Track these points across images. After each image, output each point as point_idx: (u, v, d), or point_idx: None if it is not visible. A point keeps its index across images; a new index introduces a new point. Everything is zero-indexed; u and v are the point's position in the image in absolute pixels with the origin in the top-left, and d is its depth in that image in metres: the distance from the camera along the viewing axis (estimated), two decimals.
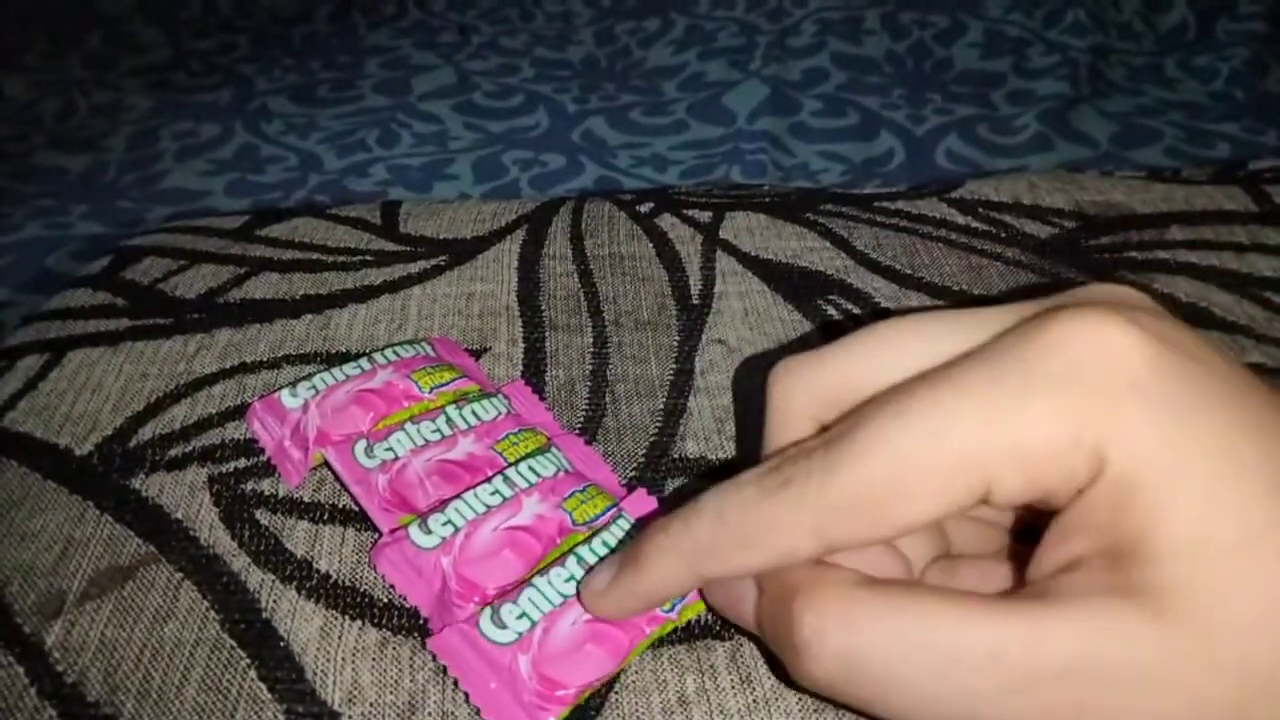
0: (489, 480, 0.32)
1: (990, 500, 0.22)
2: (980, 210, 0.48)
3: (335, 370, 0.36)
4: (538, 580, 0.29)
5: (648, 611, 0.28)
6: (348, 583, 0.31)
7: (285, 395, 0.35)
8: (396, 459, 0.33)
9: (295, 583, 0.31)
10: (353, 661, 0.29)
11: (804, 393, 0.26)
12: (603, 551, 0.30)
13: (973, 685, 0.21)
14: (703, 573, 0.25)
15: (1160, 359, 0.21)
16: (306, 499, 0.34)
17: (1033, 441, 0.21)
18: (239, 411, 0.37)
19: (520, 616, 0.28)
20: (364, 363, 0.37)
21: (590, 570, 0.29)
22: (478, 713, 0.27)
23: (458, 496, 0.32)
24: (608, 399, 0.38)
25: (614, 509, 0.32)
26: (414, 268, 0.45)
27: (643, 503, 0.33)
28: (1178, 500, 0.20)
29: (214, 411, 0.37)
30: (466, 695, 0.27)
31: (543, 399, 0.38)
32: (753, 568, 0.24)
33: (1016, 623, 0.21)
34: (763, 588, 0.25)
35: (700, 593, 0.28)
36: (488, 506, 0.31)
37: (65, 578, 0.31)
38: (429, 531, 0.30)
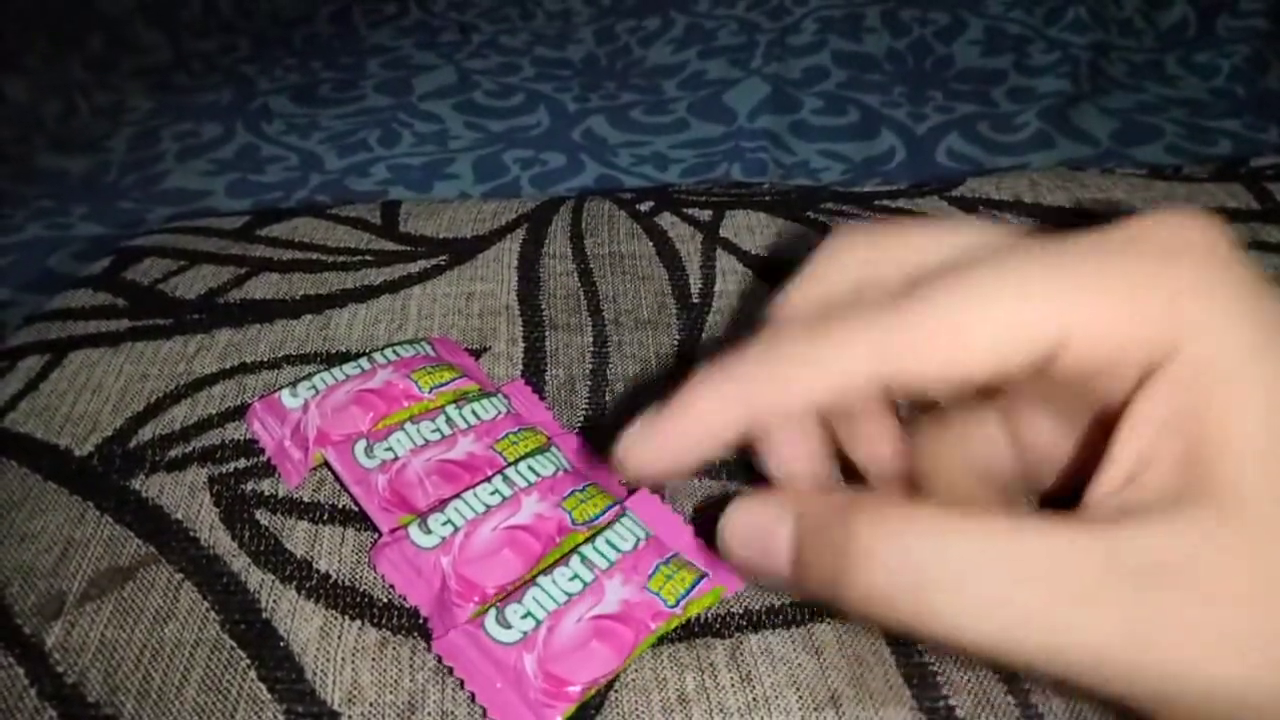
0: (488, 480, 0.32)
1: (1056, 365, 0.21)
2: (981, 208, 0.48)
3: (335, 370, 0.36)
4: (542, 580, 0.29)
5: (683, 464, 0.24)
6: (347, 583, 0.31)
7: (285, 395, 0.35)
8: (396, 459, 0.33)
9: (295, 583, 0.31)
10: (352, 661, 0.29)
11: (857, 254, 0.25)
12: (606, 550, 0.30)
13: (1036, 597, 0.20)
14: (753, 405, 0.23)
15: (1245, 260, 0.21)
16: (306, 499, 0.34)
17: (1113, 302, 0.21)
18: (239, 412, 0.37)
19: (525, 616, 0.28)
20: (364, 363, 0.37)
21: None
22: (484, 713, 0.27)
23: (457, 496, 0.32)
24: (608, 398, 0.38)
25: (615, 507, 0.32)
26: (414, 267, 0.45)
27: (646, 502, 0.33)
28: (1258, 396, 0.20)
29: (214, 412, 0.37)
30: (472, 695, 0.27)
31: (542, 398, 0.38)
32: (805, 399, 0.23)
33: (1091, 532, 0.20)
34: (803, 513, 0.24)
35: (721, 539, 0.25)
36: (487, 506, 0.31)
37: (65, 578, 0.31)
38: (429, 531, 0.30)
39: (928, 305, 0.22)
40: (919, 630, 0.21)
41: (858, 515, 0.22)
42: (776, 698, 0.28)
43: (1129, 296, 0.21)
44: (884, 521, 0.21)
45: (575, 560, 0.30)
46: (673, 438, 0.24)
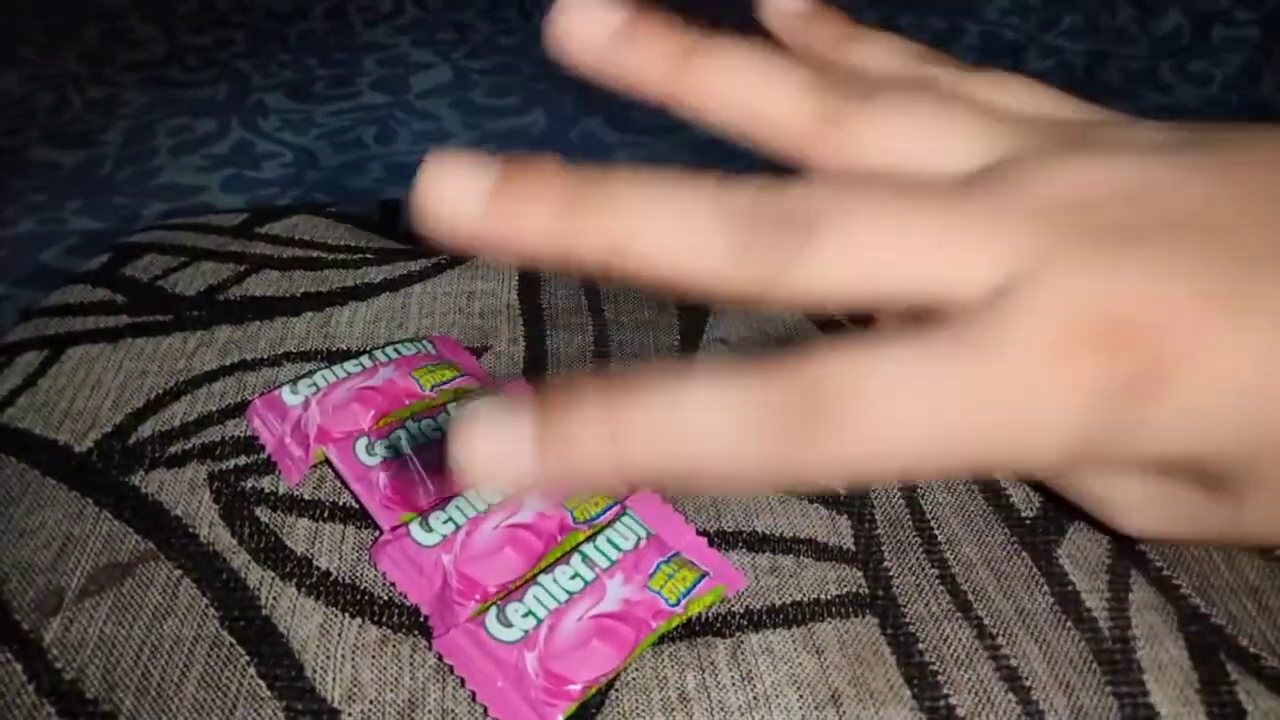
0: None
1: None
2: None
3: (336, 368, 0.36)
4: (543, 578, 0.29)
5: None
6: (348, 580, 0.31)
7: (286, 392, 0.35)
8: (398, 456, 0.33)
9: (295, 580, 0.31)
10: (352, 659, 0.29)
11: None
12: (607, 548, 0.30)
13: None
14: None
15: None
16: (307, 496, 0.34)
17: None
18: (239, 409, 0.37)
19: (526, 615, 0.28)
20: (365, 360, 0.37)
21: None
22: (485, 712, 0.27)
23: (458, 494, 0.32)
24: None
25: (616, 506, 0.32)
26: (414, 266, 0.45)
27: (647, 501, 0.33)
28: None
29: (214, 409, 0.37)
30: (473, 694, 0.27)
31: None
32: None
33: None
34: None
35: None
36: (488, 504, 0.31)
37: (64, 574, 0.31)
38: (430, 529, 0.30)
39: None
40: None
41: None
42: (777, 696, 0.28)
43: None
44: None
45: (576, 559, 0.30)
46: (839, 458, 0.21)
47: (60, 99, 1.44)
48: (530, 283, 0.44)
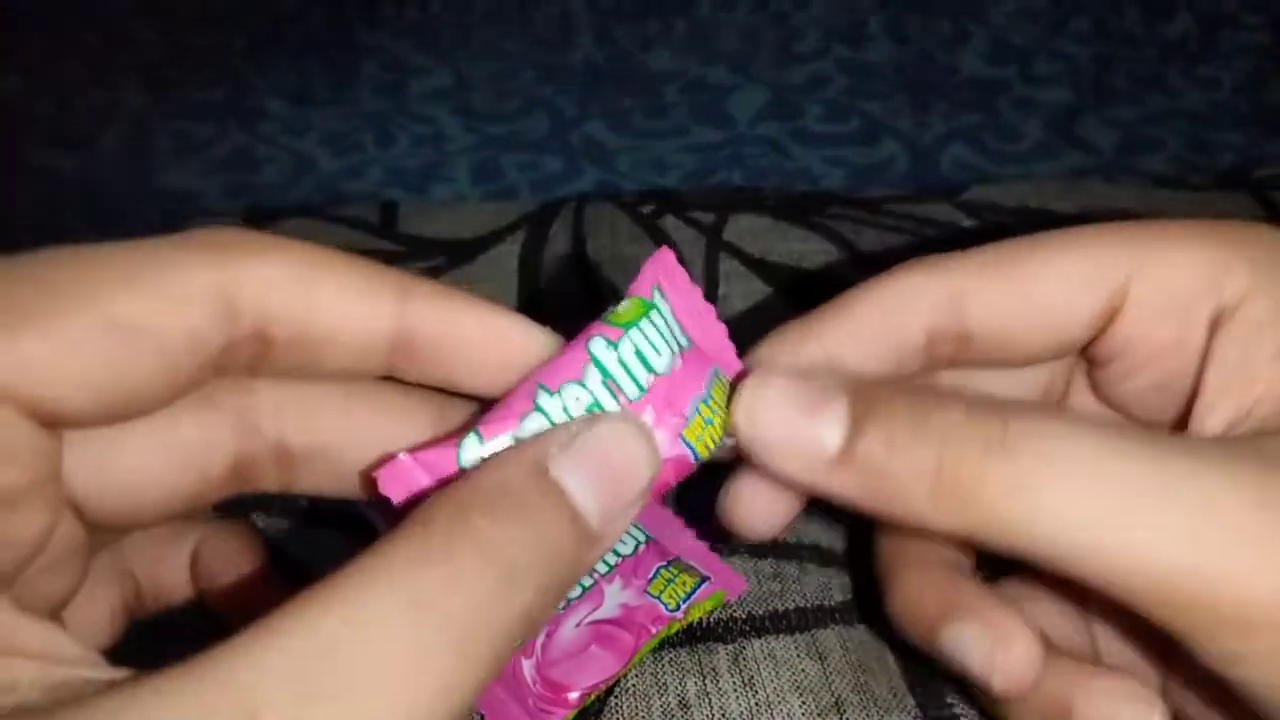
0: None
1: (1121, 319, 0.23)
2: (986, 214, 0.47)
3: None
4: None
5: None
6: None
7: None
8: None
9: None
10: None
11: (936, 292, 0.25)
12: (606, 554, 0.30)
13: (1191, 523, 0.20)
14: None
15: None
16: (304, 505, 0.33)
17: (1177, 248, 0.23)
18: None
19: None
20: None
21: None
22: (482, 718, 0.27)
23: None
24: None
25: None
26: (412, 269, 0.44)
27: (647, 506, 0.31)
28: None
29: None
30: None
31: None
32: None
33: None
34: (863, 393, 0.22)
35: (741, 412, 0.23)
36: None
37: None
38: None
39: (1000, 256, 0.24)
40: (1029, 548, 0.20)
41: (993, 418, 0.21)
42: (779, 703, 0.27)
43: (1191, 244, 0.23)
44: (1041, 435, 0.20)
45: None
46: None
47: (60, 102, 1.44)
48: (530, 286, 0.43)
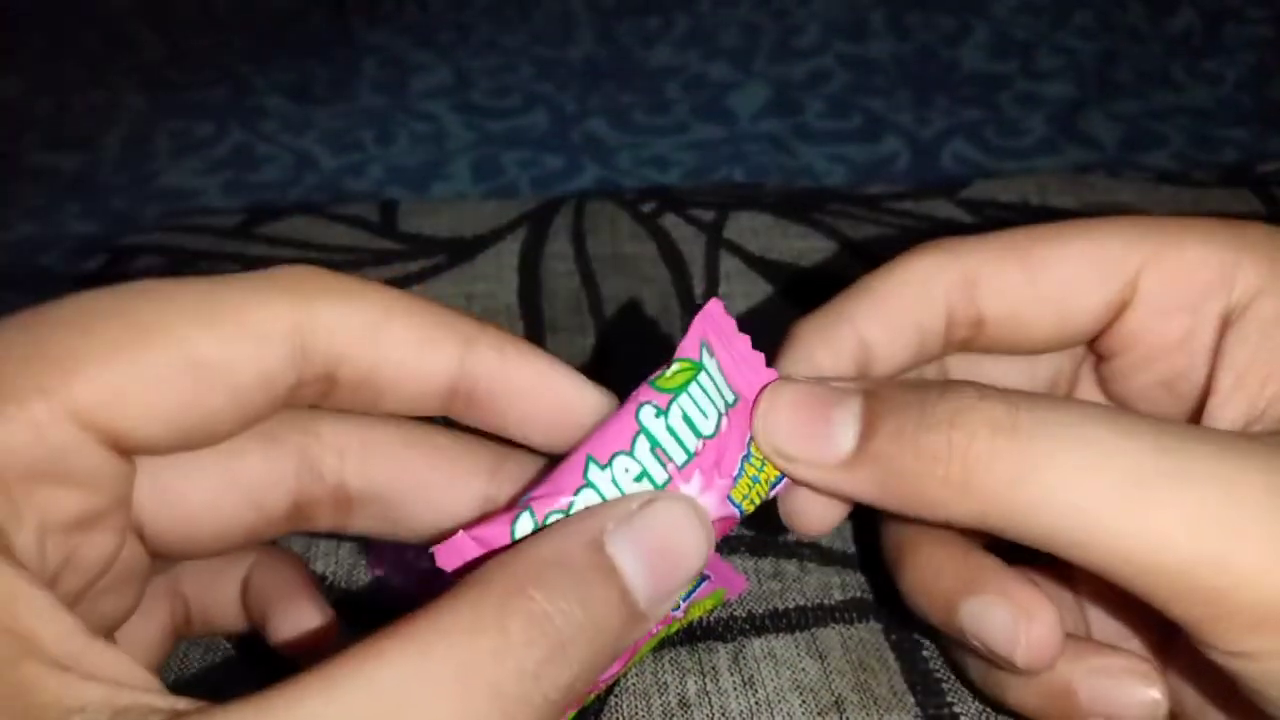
0: None
1: (1131, 303, 0.24)
2: (988, 211, 0.47)
3: None
4: None
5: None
6: (343, 585, 0.30)
7: None
8: None
9: None
10: None
11: (952, 274, 0.25)
12: None
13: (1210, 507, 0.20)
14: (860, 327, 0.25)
15: None
16: None
17: (1187, 242, 0.23)
18: None
19: None
20: None
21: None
22: None
23: None
24: None
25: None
26: (413, 266, 0.44)
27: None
28: None
29: None
30: None
31: None
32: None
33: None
34: (875, 391, 0.23)
35: (761, 419, 0.23)
36: None
37: None
38: None
39: (1013, 241, 0.24)
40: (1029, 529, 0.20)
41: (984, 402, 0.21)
42: (780, 702, 0.27)
43: (1204, 240, 0.23)
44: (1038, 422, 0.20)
45: None
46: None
47: (60, 103, 1.44)
48: (530, 284, 0.43)
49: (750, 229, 0.46)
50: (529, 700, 0.17)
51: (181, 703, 0.16)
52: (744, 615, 0.30)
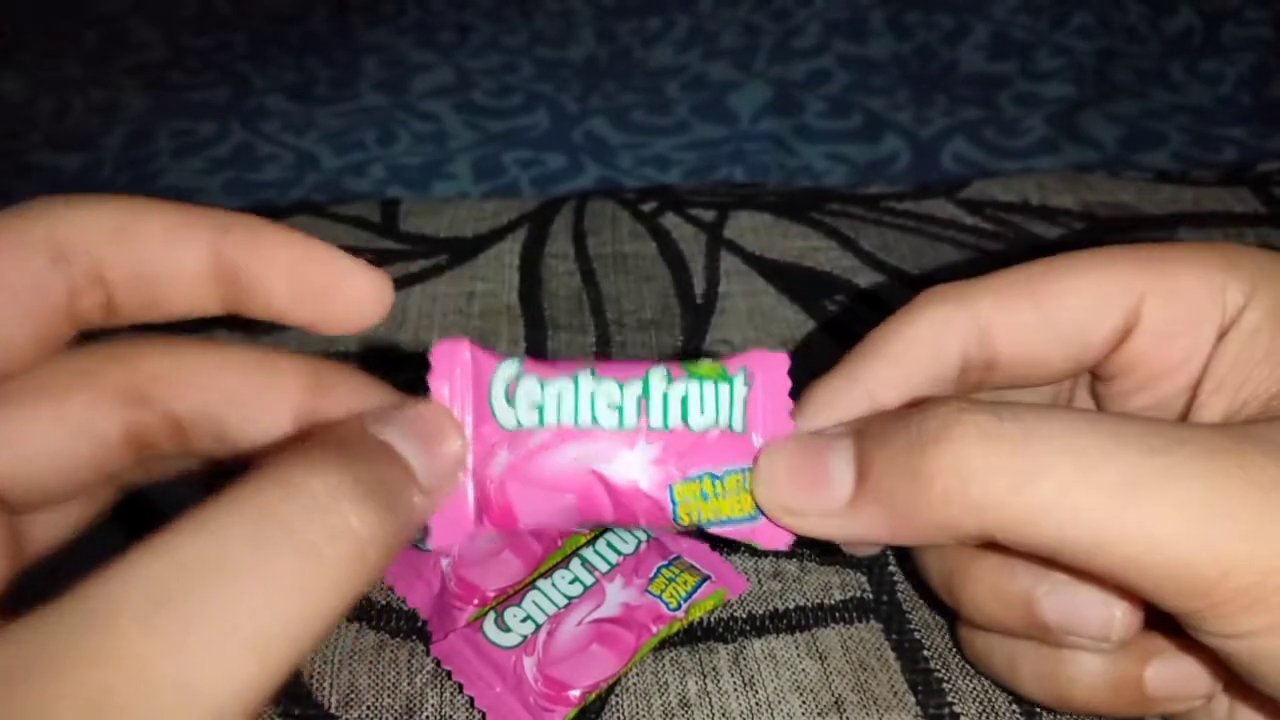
0: None
1: (1135, 329, 0.24)
2: (988, 210, 0.47)
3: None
4: (541, 583, 0.29)
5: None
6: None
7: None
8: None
9: None
10: (350, 664, 0.28)
11: (964, 323, 0.25)
12: (607, 552, 0.30)
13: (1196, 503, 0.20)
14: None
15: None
16: None
17: (1183, 271, 0.24)
18: None
19: (525, 619, 0.28)
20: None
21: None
22: (483, 718, 0.27)
23: None
24: None
25: None
26: (414, 266, 0.44)
27: None
28: None
29: None
30: (471, 699, 0.27)
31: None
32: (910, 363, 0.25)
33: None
34: (864, 430, 0.23)
35: (760, 479, 0.24)
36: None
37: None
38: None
39: (1018, 281, 0.25)
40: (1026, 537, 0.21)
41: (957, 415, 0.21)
42: (780, 703, 0.27)
43: (1196, 266, 0.24)
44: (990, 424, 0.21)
45: (576, 563, 0.29)
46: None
47: (61, 103, 1.44)
48: (531, 283, 0.43)
49: (750, 229, 0.46)
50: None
51: None
52: (744, 615, 0.30)
